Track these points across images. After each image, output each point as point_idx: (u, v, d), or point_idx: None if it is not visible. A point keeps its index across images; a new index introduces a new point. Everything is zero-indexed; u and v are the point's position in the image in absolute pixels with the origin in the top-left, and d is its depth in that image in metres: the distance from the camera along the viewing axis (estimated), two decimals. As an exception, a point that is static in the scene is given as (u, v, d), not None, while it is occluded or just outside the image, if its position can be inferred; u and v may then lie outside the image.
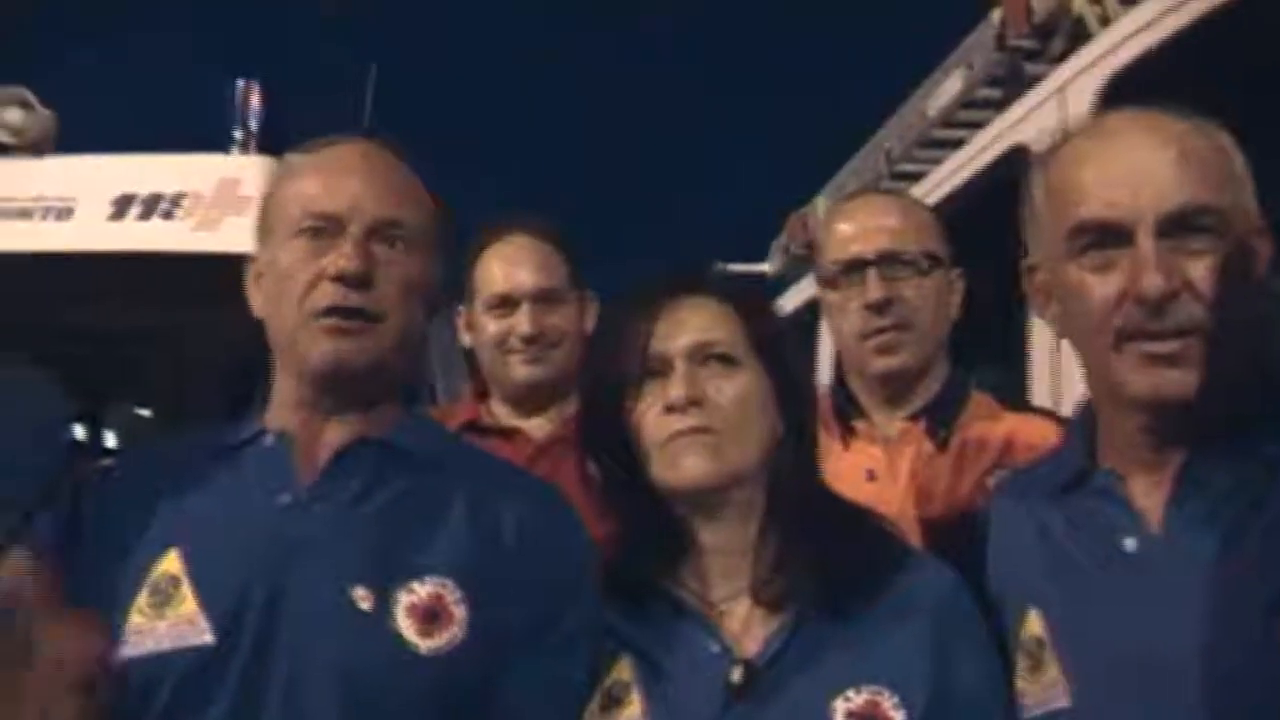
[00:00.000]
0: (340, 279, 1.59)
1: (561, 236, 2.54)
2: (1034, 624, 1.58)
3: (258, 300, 1.69)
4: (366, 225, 1.62)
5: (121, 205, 3.69)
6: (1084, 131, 1.62)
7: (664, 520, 1.68)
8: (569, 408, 2.47)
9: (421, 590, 1.56)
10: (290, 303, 1.61)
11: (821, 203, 5.68)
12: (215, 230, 3.62)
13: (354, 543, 1.58)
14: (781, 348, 1.73)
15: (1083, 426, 1.62)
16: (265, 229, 1.69)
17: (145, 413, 4.99)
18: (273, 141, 3.97)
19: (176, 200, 3.70)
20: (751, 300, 1.76)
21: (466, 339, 2.57)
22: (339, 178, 1.66)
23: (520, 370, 2.47)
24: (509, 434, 2.48)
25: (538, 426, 2.50)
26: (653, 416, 1.64)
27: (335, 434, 1.65)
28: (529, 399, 2.50)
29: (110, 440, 4.45)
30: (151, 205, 3.68)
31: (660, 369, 1.65)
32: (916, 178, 4.43)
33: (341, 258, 1.60)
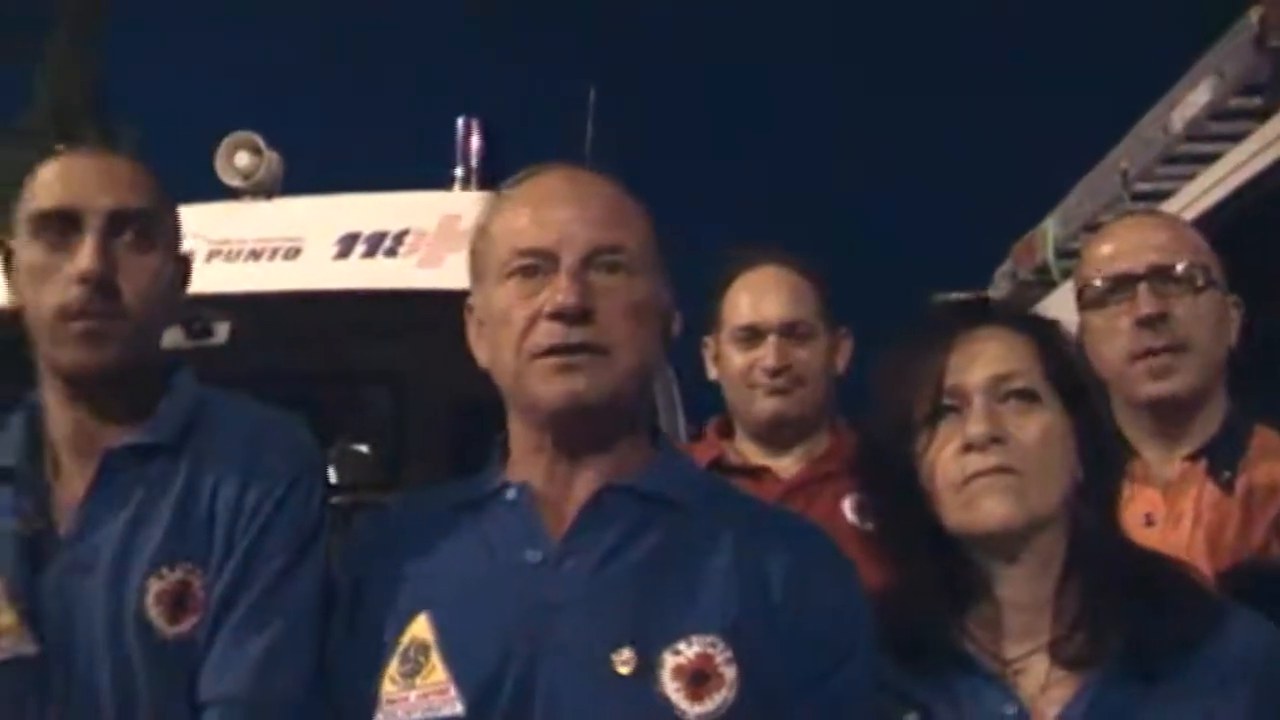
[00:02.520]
0: (558, 316, 1.50)
1: (813, 269, 2.44)
2: None
3: (482, 350, 1.61)
4: (580, 255, 1.53)
5: (347, 244, 3.70)
6: None
7: (951, 568, 1.56)
8: (819, 446, 2.41)
9: (688, 651, 1.45)
10: (510, 348, 1.53)
11: (1050, 226, 5.46)
12: (438, 267, 3.59)
13: (611, 602, 1.48)
14: (1083, 383, 1.59)
15: None
16: (478, 273, 1.61)
17: (364, 449, 5.02)
18: (494, 177, 3.94)
19: (400, 238, 3.69)
20: (1049, 332, 1.61)
21: (712, 371, 2.48)
22: (546, 209, 1.57)
23: (765, 404, 2.37)
24: (756, 473, 2.39)
25: (786, 466, 2.39)
26: (948, 455, 1.52)
27: (582, 482, 1.55)
28: (775, 435, 2.41)
29: (332, 477, 4.48)
30: (376, 243, 3.68)
31: (955, 404, 1.53)
32: (1159, 197, 4.19)
33: (558, 293, 1.50)
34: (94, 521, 1.63)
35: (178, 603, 1.59)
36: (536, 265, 1.54)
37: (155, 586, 1.59)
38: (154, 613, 1.58)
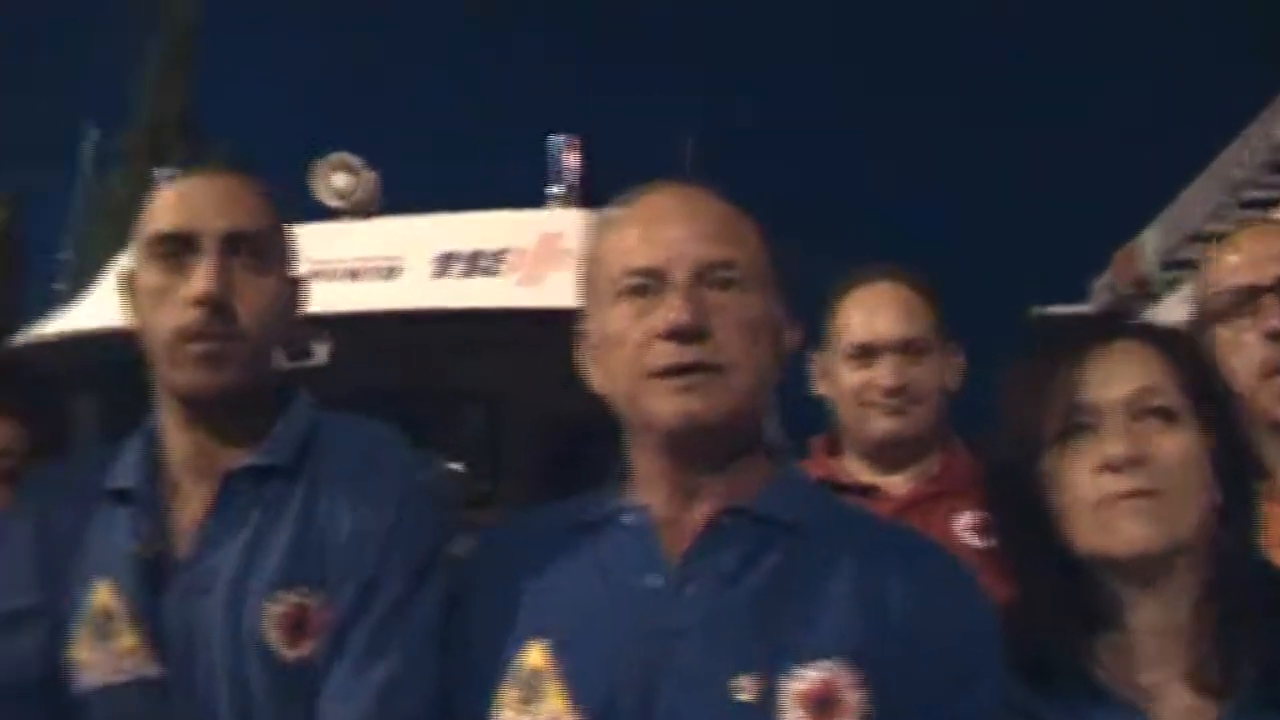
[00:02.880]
0: (672, 335, 1.47)
1: (927, 286, 2.39)
2: None
3: (596, 374, 1.57)
4: (692, 272, 1.49)
5: (445, 263, 3.71)
6: None
7: (1080, 591, 1.50)
8: (931, 465, 2.36)
9: (811, 676, 1.41)
10: (625, 370, 1.50)
11: (1149, 237, 5.38)
12: (538, 286, 3.59)
13: (732, 628, 1.45)
14: (1223, 402, 1.53)
15: None
16: (589, 296, 1.58)
17: (458, 467, 5.03)
18: (592, 195, 3.94)
19: (499, 256, 3.70)
20: (1186, 347, 1.56)
21: (822, 389, 2.43)
22: (655, 227, 1.54)
23: (880, 424, 2.32)
24: (866, 492, 2.33)
25: (898, 484, 2.34)
26: (1082, 475, 1.46)
27: (700, 504, 1.52)
28: (888, 454, 2.36)
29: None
30: (474, 262, 3.69)
31: (1089, 422, 1.47)
32: (1268, 205, 4.09)
33: (670, 311, 1.47)
34: (212, 544, 1.62)
35: (296, 626, 1.57)
36: (647, 285, 1.51)
37: (273, 610, 1.57)
38: (272, 636, 1.57)
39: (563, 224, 3.81)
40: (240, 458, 1.65)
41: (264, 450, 1.66)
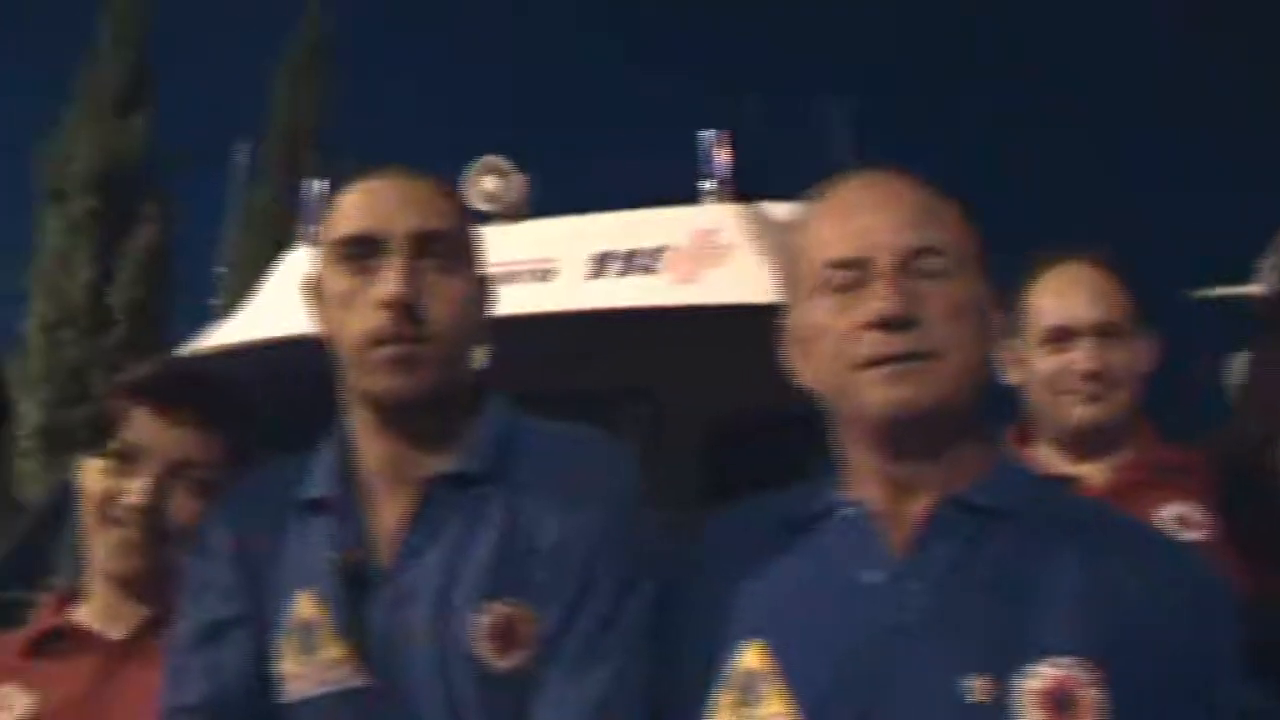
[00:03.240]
0: (880, 325, 1.44)
1: (1119, 266, 2.30)
2: None
3: (804, 369, 1.54)
4: (895, 260, 1.46)
5: (600, 263, 3.68)
6: None
7: None
8: (1129, 454, 2.27)
9: (1047, 674, 1.35)
10: (833, 363, 1.48)
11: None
12: (696, 283, 3.55)
13: (959, 624, 1.39)
14: None
15: None
16: (790, 291, 1.55)
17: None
18: (744, 188, 3.89)
19: (655, 255, 3.66)
20: None
21: (1012, 377, 2.35)
22: (853, 217, 1.51)
23: (1078, 410, 2.25)
24: (1062, 482, 2.23)
25: (1095, 474, 2.26)
26: None
27: (919, 496, 1.48)
28: (1085, 443, 2.28)
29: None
30: (630, 261, 3.65)
31: None
32: None
33: (876, 301, 1.44)
34: (415, 553, 1.60)
35: (505, 636, 1.54)
36: (850, 276, 1.48)
37: (482, 620, 1.54)
38: (482, 647, 1.54)
39: (717, 220, 3.77)
40: (437, 464, 1.62)
41: (462, 456, 1.63)
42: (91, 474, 1.90)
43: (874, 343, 1.45)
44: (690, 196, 3.97)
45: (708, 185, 3.91)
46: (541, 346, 3.85)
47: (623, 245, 3.69)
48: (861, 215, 1.51)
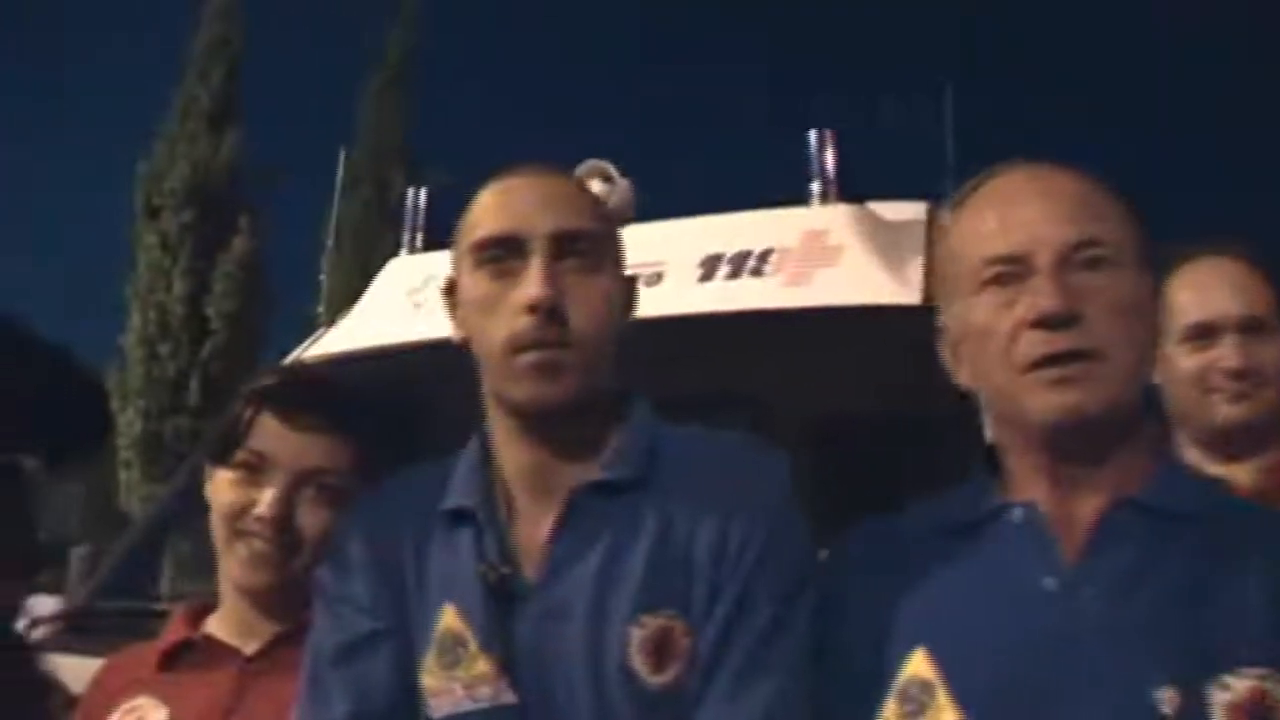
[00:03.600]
0: (1042, 323, 1.38)
1: (1262, 259, 2.21)
2: None
3: (962, 370, 1.50)
4: (1056, 255, 1.40)
5: (710, 266, 3.62)
6: None
7: None
8: (1275, 454, 2.18)
9: (1239, 685, 1.28)
10: (997, 364, 1.42)
11: None
12: (807, 285, 3.47)
13: (1140, 632, 1.32)
14: None
15: None
16: (946, 290, 1.51)
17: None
18: (852, 189, 3.81)
19: (764, 256, 3.59)
20: None
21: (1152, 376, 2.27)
22: (1010, 211, 1.45)
23: (1223, 410, 2.16)
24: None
25: (1242, 475, 2.16)
26: None
27: (1087, 500, 1.42)
28: (1232, 443, 2.18)
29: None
30: (740, 263, 3.58)
31: None
32: None
33: (1038, 298, 1.39)
34: (563, 565, 1.54)
35: (661, 651, 1.48)
36: (1010, 272, 1.43)
37: (637, 635, 1.48)
38: (637, 661, 1.48)
39: (826, 220, 3.69)
40: (583, 473, 1.57)
41: (610, 464, 1.58)
42: (220, 485, 1.88)
43: (1035, 341, 1.39)
44: (797, 197, 3.90)
45: (815, 186, 3.83)
46: (654, 350, 3.80)
47: (731, 247, 3.61)
48: (1021, 209, 1.45)
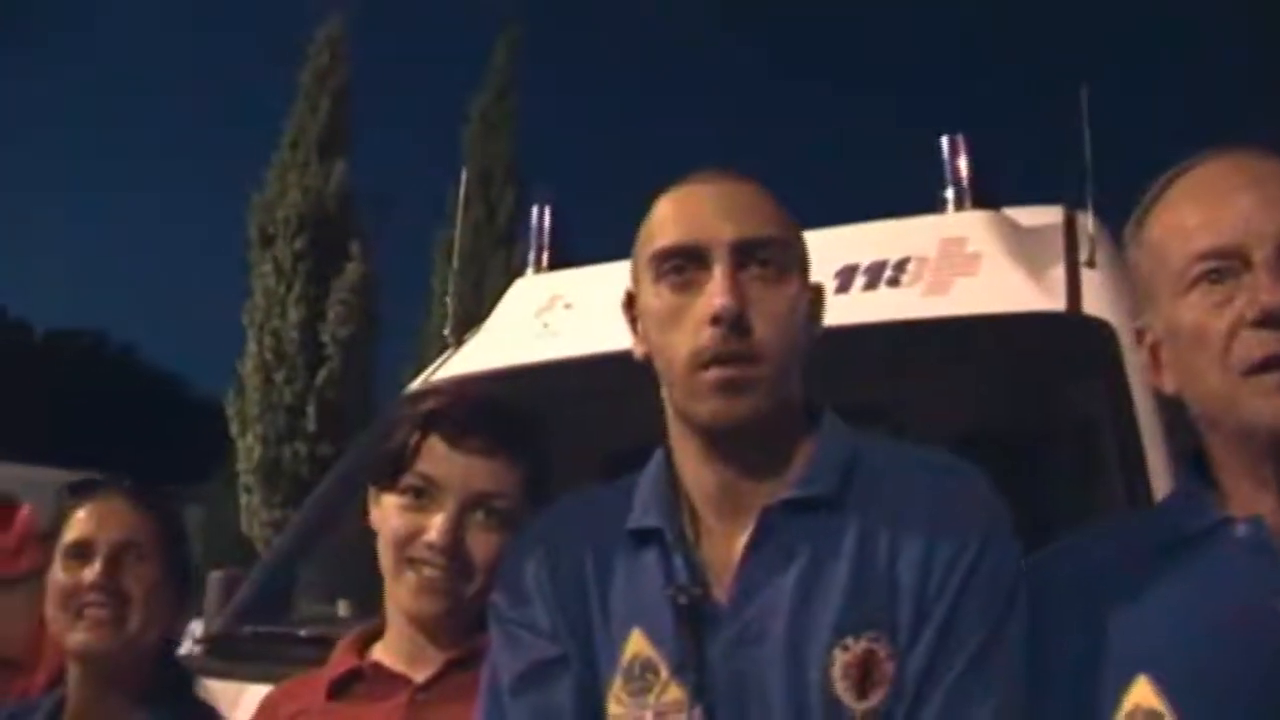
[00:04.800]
0: (1264, 322, 1.30)
1: None
2: None
3: (1167, 377, 1.42)
4: (1275, 245, 1.32)
5: (846, 277, 3.54)
6: None
7: None
8: None
9: None
10: (1212, 368, 1.34)
11: None
12: (946, 293, 3.38)
13: None
14: None
15: None
16: (1146, 292, 1.43)
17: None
18: (987, 193, 3.73)
19: (901, 266, 3.51)
20: None
21: None
22: (1219, 202, 1.37)
23: None
24: None
25: None
26: None
27: None
28: None
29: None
30: (876, 273, 3.51)
31: None
32: None
33: (1259, 293, 1.31)
34: (757, 587, 1.48)
35: (865, 675, 1.41)
36: (1223, 267, 1.35)
37: (840, 659, 1.42)
38: (840, 687, 1.41)
39: (963, 227, 3.60)
40: (774, 490, 1.51)
41: (803, 480, 1.51)
42: (388, 511, 1.85)
43: (1257, 342, 1.31)
44: (930, 205, 3.82)
45: (949, 192, 3.75)
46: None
47: (867, 257, 3.54)
48: (1230, 199, 1.37)
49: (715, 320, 1.49)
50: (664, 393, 1.59)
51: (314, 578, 4.09)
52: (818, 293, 1.64)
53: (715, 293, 1.50)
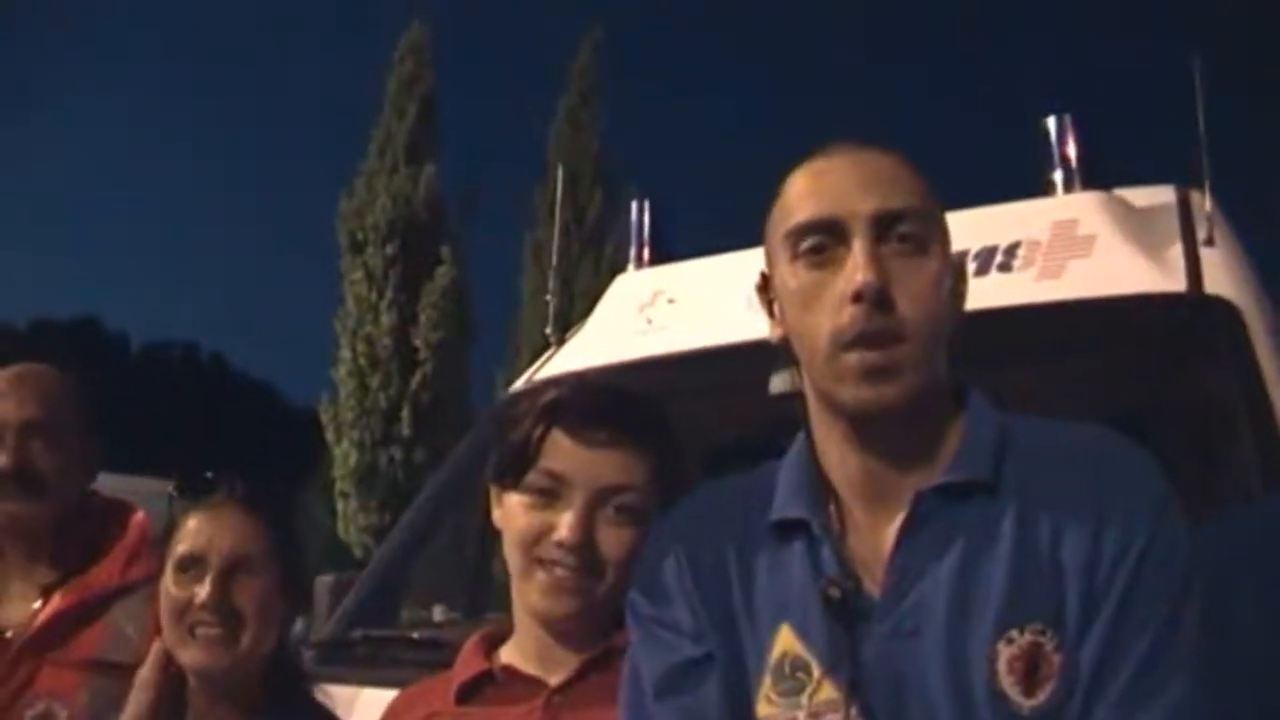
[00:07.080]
0: None
1: None
2: None
3: None
4: None
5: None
6: None
7: None
8: None
9: None
10: None
11: None
12: (1059, 278, 3.30)
13: None
14: None
15: None
16: None
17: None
18: (1097, 174, 3.63)
19: (1012, 251, 3.43)
20: None
21: None
22: None
23: None
24: None
25: None
26: None
27: None
28: None
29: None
30: (988, 259, 3.43)
31: None
32: None
33: None
34: (911, 578, 1.42)
35: (1032, 669, 1.34)
36: None
37: (1006, 653, 1.35)
38: (1007, 683, 1.34)
39: (1074, 209, 3.51)
40: (924, 476, 1.44)
41: (955, 464, 1.45)
42: (513, 510, 1.80)
43: None
44: (1037, 188, 3.73)
45: (1058, 175, 3.66)
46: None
47: (977, 242, 3.46)
48: None
49: (857, 297, 1.43)
50: (804, 376, 1.54)
51: (411, 583, 4.10)
52: (960, 267, 1.57)
53: (856, 268, 1.44)
